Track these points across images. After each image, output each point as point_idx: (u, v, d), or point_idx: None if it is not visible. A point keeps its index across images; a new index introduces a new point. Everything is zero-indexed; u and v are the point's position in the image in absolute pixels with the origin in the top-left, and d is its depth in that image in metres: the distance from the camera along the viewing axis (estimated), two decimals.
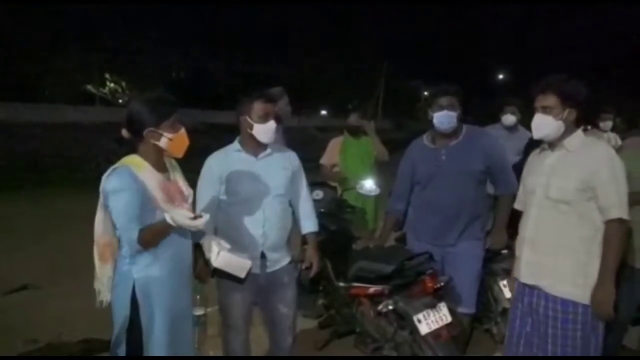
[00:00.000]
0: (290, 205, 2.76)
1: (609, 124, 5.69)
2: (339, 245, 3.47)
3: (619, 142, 5.30)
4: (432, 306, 2.80)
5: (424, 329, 2.74)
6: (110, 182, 2.00)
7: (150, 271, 2.08)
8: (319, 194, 3.79)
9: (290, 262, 2.74)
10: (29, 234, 6.19)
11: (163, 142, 2.06)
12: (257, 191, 2.56)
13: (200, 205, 2.59)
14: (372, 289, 3.00)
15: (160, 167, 2.13)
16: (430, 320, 2.77)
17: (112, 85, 26.54)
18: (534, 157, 2.58)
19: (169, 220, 1.91)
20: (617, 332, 3.07)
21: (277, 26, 29.39)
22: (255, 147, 2.61)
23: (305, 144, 4.72)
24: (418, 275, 2.85)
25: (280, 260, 2.67)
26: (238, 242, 2.53)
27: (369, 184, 3.99)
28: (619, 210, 2.24)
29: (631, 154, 3.11)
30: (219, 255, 2.24)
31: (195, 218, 1.90)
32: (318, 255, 2.84)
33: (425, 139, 3.18)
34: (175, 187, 2.13)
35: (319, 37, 30.08)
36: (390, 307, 2.88)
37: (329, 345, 3.53)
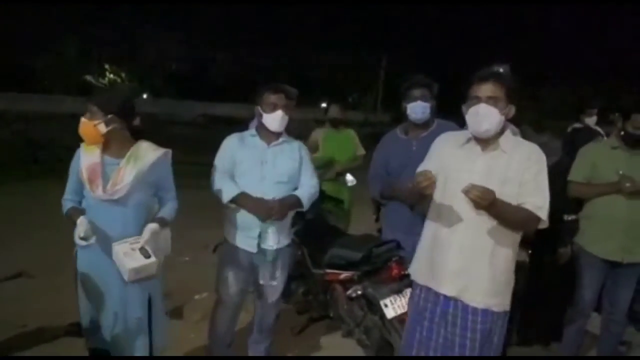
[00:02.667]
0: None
1: (593, 119, 5.81)
2: (315, 233, 3.59)
3: (605, 137, 5.46)
4: (399, 291, 2.93)
5: (390, 313, 2.88)
6: None
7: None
8: None
9: (288, 245, 2.91)
10: (25, 225, 6.24)
11: None
12: (260, 176, 2.75)
13: (218, 174, 2.79)
14: (343, 274, 3.15)
15: (116, 152, 2.37)
16: (397, 305, 2.90)
17: (111, 75, 26.61)
18: (450, 148, 2.28)
19: (78, 221, 2.26)
20: (580, 319, 3.20)
21: (279, 18, 29.33)
22: (268, 134, 2.82)
23: (302, 137, 4.83)
24: (385, 262, 2.98)
25: (276, 242, 2.82)
26: (240, 221, 2.78)
27: (347, 175, 4.09)
28: (546, 214, 2.11)
29: (597, 148, 3.23)
30: (113, 247, 2.28)
31: (81, 238, 2.23)
32: (280, 206, 2.71)
33: (399, 130, 3.27)
34: (97, 170, 2.32)
35: (320, 29, 30.04)
36: (359, 292, 3.03)
37: (305, 331, 3.67)
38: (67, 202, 2.42)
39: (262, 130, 2.83)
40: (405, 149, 3.15)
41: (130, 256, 2.24)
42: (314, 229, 3.63)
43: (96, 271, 2.40)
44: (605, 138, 5.60)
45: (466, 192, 1.93)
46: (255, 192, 2.72)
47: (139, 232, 2.34)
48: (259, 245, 2.78)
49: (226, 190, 2.71)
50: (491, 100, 2.09)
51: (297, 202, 2.82)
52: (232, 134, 2.91)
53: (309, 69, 31.11)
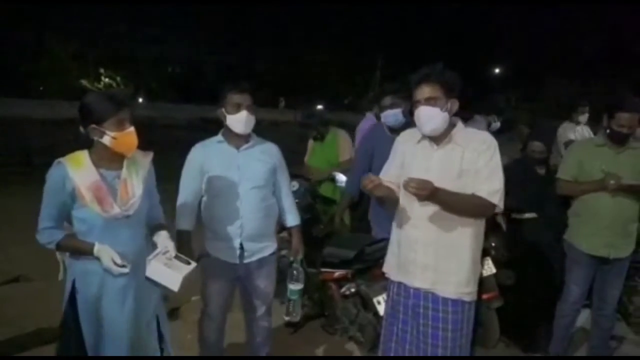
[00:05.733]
0: (274, 196, 2.83)
1: (585, 116, 5.94)
2: (310, 233, 3.64)
3: (591, 134, 5.53)
4: None
5: (383, 310, 2.91)
6: (48, 174, 2.06)
7: (86, 264, 2.10)
8: (295, 185, 3.94)
9: (272, 254, 2.81)
10: (21, 229, 6.22)
11: (106, 140, 2.03)
12: (234, 183, 2.62)
13: (182, 196, 2.69)
14: (337, 273, 3.22)
15: (111, 163, 2.10)
16: None
17: (107, 80, 26.59)
18: (409, 147, 2.32)
19: (95, 251, 2.02)
20: (570, 314, 3.25)
21: (274, 20, 29.43)
22: (237, 139, 2.66)
23: (298, 139, 4.92)
24: (378, 260, 3.03)
25: (260, 250, 2.74)
26: (218, 233, 2.66)
27: (342, 176, 4.14)
28: (500, 199, 2.15)
29: (584, 146, 3.29)
30: (149, 263, 2.13)
31: (120, 265, 2.02)
32: (302, 245, 2.94)
33: (386, 126, 3.33)
34: (103, 187, 2.05)
35: (315, 30, 30.16)
36: (353, 290, 3.09)
37: (301, 330, 3.73)
38: (52, 232, 2.08)
39: (229, 134, 2.67)
40: (391, 147, 3.18)
41: (172, 267, 2.13)
42: (309, 230, 3.68)
43: (107, 295, 2.13)
44: (572, 135, 5.76)
45: (405, 186, 2.00)
46: (230, 200, 2.62)
47: (145, 245, 2.22)
48: (240, 256, 2.68)
49: (182, 222, 2.66)
50: (430, 100, 2.13)
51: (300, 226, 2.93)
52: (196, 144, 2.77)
53: (306, 71, 31.18)
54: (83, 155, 2.08)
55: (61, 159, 2.05)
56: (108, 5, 23.18)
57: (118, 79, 26.59)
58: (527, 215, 3.43)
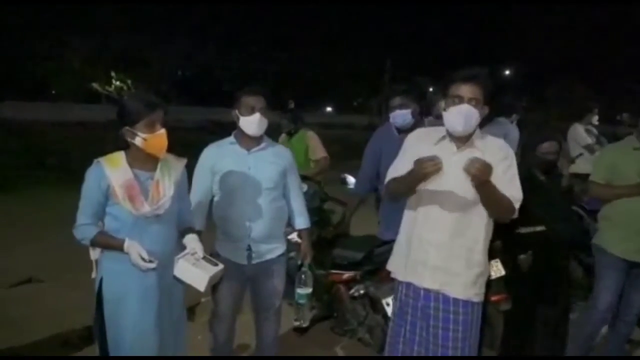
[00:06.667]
0: (284, 198, 2.84)
1: (596, 118, 5.97)
2: (319, 235, 3.64)
3: (594, 137, 5.50)
4: None
5: (392, 311, 2.92)
6: (86, 173, 2.16)
7: (114, 264, 2.18)
8: (303, 187, 3.96)
9: (281, 255, 2.82)
10: (33, 230, 6.31)
11: (138, 141, 2.12)
12: (245, 184, 2.64)
13: (193, 195, 2.71)
14: (346, 275, 3.21)
15: (144, 164, 2.18)
16: None
17: (118, 83, 26.82)
18: (425, 146, 2.24)
19: (125, 247, 2.10)
20: (597, 323, 3.14)
21: (283, 22, 29.55)
22: (248, 141, 2.69)
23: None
24: (386, 261, 3.02)
25: (268, 252, 2.75)
26: (227, 234, 2.70)
27: (349, 178, 4.15)
28: (518, 205, 2.18)
29: (619, 148, 3.19)
30: (177, 263, 2.21)
31: (148, 260, 2.09)
32: (311, 248, 2.95)
33: (394, 127, 3.32)
34: (135, 186, 2.13)
35: (324, 33, 30.23)
36: (362, 292, 3.09)
37: (309, 331, 3.68)
38: (89, 227, 2.15)
39: (241, 136, 2.70)
40: (399, 148, 3.17)
41: (199, 267, 2.21)
42: (318, 231, 3.67)
43: (132, 295, 2.17)
44: (589, 138, 5.74)
45: (467, 168, 1.97)
46: (240, 201, 2.65)
47: (176, 245, 2.29)
48: (249, 257, 2.69)
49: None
50: (472, 101, 2.11)
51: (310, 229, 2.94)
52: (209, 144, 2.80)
53: (316, 73, 31.26)
54: (120, 156, 2.17)
55: (100, 159, 2.15)
56: (119, 9, 23.39)
57: (129, 82, 26.81)
58: (538, 228, 3.30)
